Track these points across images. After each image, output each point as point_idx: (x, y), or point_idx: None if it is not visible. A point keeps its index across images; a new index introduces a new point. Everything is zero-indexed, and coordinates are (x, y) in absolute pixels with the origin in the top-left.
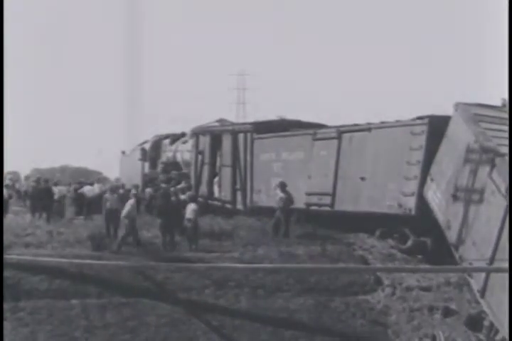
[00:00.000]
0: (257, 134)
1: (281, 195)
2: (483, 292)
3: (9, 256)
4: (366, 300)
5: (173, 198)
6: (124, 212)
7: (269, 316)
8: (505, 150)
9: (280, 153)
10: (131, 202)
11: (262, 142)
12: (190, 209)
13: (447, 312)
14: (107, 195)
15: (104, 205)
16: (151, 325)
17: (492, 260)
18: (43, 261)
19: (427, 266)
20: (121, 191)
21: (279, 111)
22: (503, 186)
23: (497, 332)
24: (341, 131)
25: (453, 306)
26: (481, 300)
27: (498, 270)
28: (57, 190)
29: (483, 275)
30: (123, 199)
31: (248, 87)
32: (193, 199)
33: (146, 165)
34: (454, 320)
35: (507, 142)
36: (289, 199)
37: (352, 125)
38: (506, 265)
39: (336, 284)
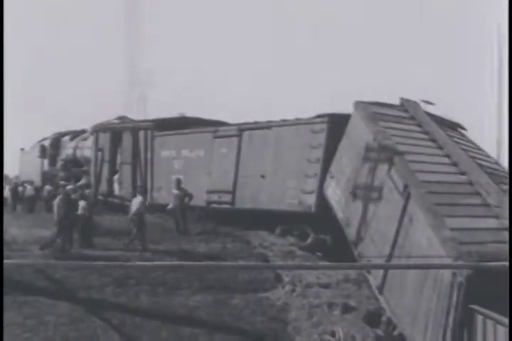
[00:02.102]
0: (158, 131)
1: (175, 192)
2: (381, 288)
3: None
4: (266, 297)
5: (73, 196)
6: (134, 209)
7: (169, 313)
8: (404, 148)
9: (181, 151)
10: (139, 199)
11: (162, 139)
12: (81, 205)
13: (346, 309)
14: (58, 201)
15: (59, 212)
16: (51, 324)
17: (390, 257)
18: None
19: (327, 263)
20: (20, 188)
21: (181, 108)
22: (401, 184)
23: (395, 327)
24: (242, 129)
25: (352, 303)
26: (380, 297)
27: (396, 267)
28: None
29: (381, 272)
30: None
31: (149, 84)
32: (83, 197)
33: (46, 162)
34: (353, 316)
35: (406, 140)
36: (184, 196)
37: (253, 123)
38: (403, 262)
39: (236, 281)
